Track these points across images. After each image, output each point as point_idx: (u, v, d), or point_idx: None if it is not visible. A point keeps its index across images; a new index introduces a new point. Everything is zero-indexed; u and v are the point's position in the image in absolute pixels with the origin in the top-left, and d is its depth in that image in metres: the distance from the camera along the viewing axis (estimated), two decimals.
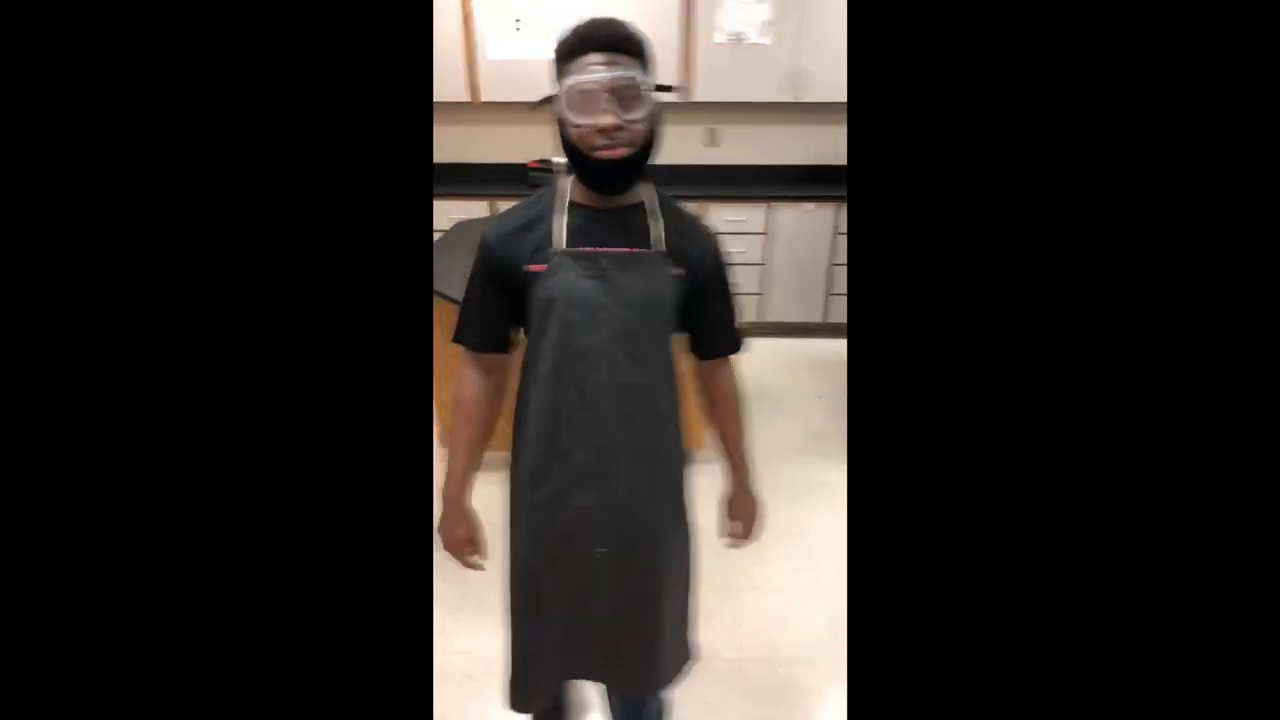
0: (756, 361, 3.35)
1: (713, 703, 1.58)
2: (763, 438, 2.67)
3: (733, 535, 1.25)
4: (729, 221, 3.43)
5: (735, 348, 1.17)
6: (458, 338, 1.09)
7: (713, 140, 3.77)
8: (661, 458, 1.11)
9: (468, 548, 1.15)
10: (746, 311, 3.57)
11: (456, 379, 1.11)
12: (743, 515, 1.24)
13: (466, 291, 1.09)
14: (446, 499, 1.13)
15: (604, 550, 1.10)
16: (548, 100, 1.00)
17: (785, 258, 3.53)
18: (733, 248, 3.41)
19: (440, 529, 1.13)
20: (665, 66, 3.37)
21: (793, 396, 3.02)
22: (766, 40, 3.35)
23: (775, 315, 3.63)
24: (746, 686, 1.62)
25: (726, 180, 3.69)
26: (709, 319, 1.13)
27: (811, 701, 1.60)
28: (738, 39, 3.37)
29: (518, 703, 1.23)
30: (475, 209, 3.47)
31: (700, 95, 3.44)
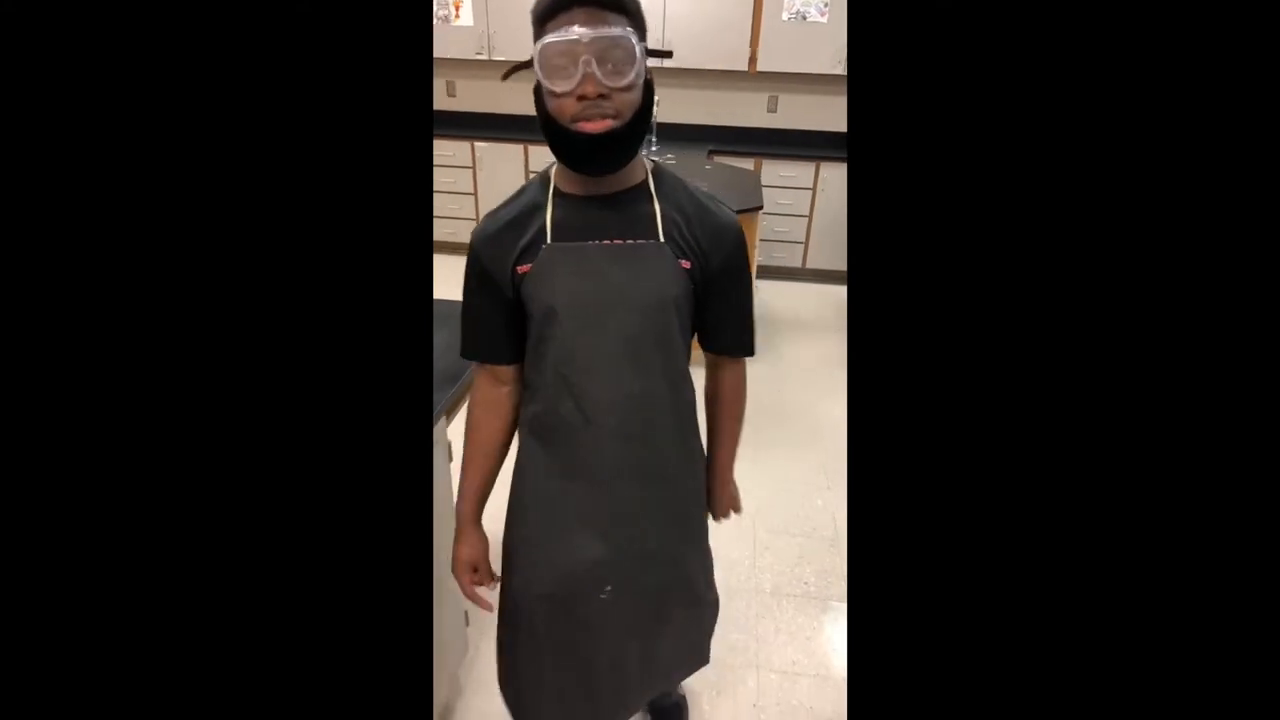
0: (797, 300, 3.99)
1: None
2: (793, 355, 3.33)
3: None
4: (782, 176, 4.02)
5: (744, 349, 1.03)
6: (465, 353, 1.01)
7: (774, 107, 4.33)
8: (670, 478, 1.01)
9: (473, 575, 1.07)
10: (791, 258, 4.18)
11: (470, 392, 1.05)
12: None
13: (463, 302, 0.99)
14: (457, 518, 1.07)
15: (609, 590, 1.00)
16: (520, 67, 0.87)
17: (828, 212, 4.10)
18: (783, 200, 4.03)
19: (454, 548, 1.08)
20: (737, 41, 3.94)
21: (821, 329, 3.65)
22: (824, 19, 3.88)
23: (815, 263, 4.22)
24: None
25: (783, 142, 4.26)
26: (719, 315, 0.99)
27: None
28: (800, 17, 3.90)
29: None
30: None
31: (765, 66, 4.00)
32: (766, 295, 4.00)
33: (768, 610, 1.86)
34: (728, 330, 1.02)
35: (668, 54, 0.91)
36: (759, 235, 3.34)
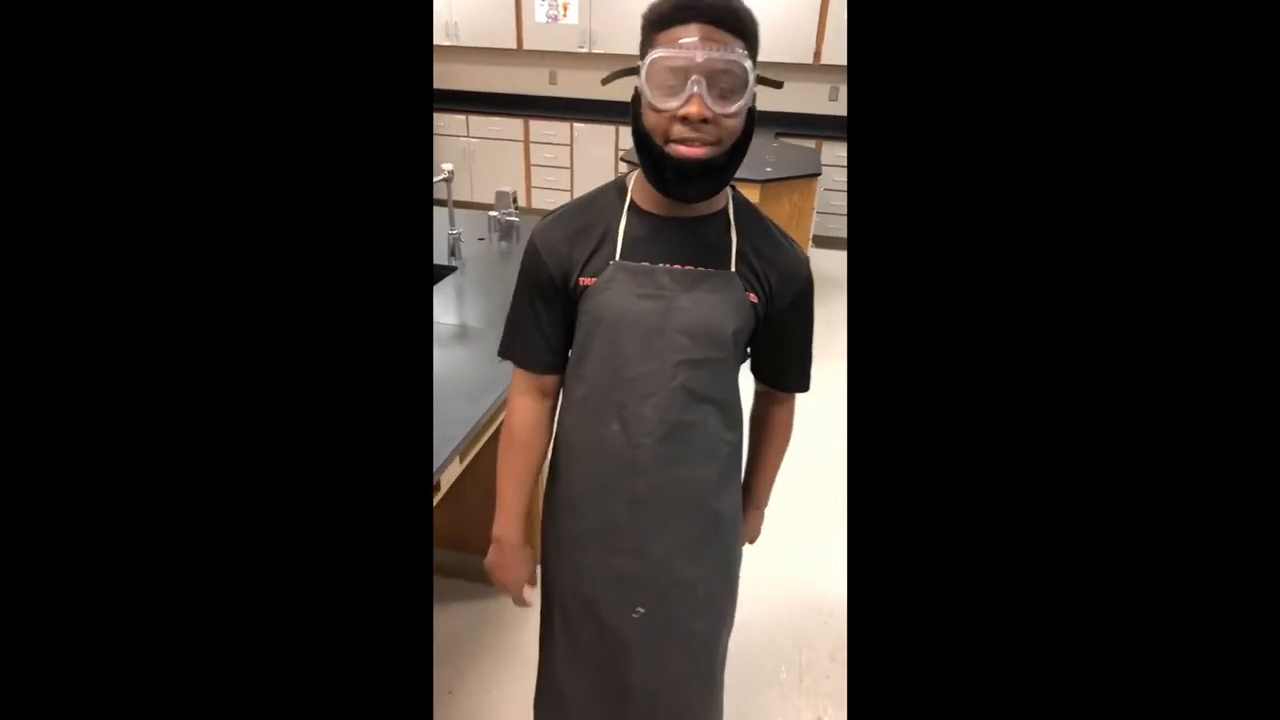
0: (839, 263, 4.55)
1: None
2: (840, 311, 3.92)
3: None
4: (840, 156, 4.60)
5: (800, 386, 1.03)
6: (504, 353, 0.99)
7: (835, 96, 4.88)
8: (712, 511, 1.00)
9: (522, 588, 1.08)
10: (840, 228, 4.73)
11: (508, 404, 1.02)
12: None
13: (513, 301, 0.96)
14: (500, 541, 1.04)
15: (641, 611, 1.00)
16: (626, 73, 0.83)
17: None
18: (839, 178, 4.59)
19: (493, 569, 1.07)
20: (803, 37, 4.50)
21: None
22: None
23: None
24: None
25: (842, 127, 4.82)
26: (779, 350, 0.99)
27: None
28: None
29: None
30: None
31: (828, 60, 4.56)
32: (821, 261, 4.57)
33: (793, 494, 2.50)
34: (786, 366, 1.02)
35: (778, 84, 0.91)
36: (816, 206, 3.92)
